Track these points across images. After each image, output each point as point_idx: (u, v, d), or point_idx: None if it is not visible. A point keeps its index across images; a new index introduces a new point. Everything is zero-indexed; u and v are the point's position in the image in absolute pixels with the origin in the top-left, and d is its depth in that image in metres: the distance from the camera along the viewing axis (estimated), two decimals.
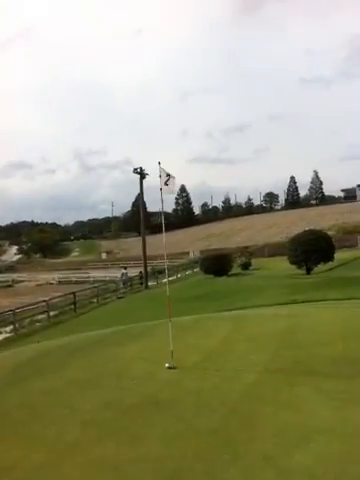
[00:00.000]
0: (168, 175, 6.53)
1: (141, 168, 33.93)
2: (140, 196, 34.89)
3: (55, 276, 53.49)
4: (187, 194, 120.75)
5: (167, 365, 6.01)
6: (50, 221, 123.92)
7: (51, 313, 20.63)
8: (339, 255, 27.45)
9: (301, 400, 4.61)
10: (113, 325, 13.54)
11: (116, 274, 43.77)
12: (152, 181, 32.54)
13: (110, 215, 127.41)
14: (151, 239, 43.10)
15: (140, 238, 37.03)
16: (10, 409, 4.90)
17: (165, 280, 34.35)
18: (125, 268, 33.55)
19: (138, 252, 69.15)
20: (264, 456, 3.48)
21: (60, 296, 24.84)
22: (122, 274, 31.65)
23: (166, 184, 6.53)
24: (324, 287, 15.80)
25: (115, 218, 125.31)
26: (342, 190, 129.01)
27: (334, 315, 9.05)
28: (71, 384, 5.58)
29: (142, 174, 33.88)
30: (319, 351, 6.40)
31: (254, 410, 4.43)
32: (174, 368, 5.96)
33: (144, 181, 33.87)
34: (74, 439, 4.02)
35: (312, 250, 22.63)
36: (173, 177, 6.58)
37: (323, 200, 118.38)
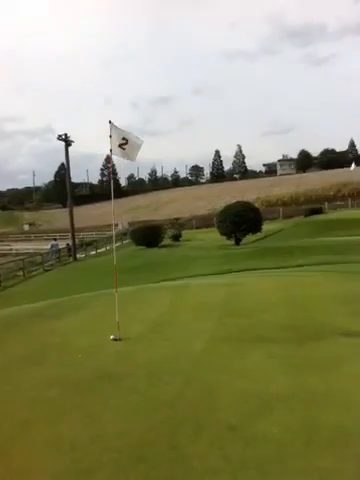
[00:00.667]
0: (124, 138, 6.02)
1: (66, 135, 32.47)
2: (66, 165, 33.43)
3: None
4: (113, 165, 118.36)
5: (112, 337, 5.76)
6: None
7: None
8: (264, 227, 28.39)
9: (255, 367, 4.59)
10: (44, 298, 12.95)
11: (40, 246, 42.15)
12: (75, 151, 31.32)
13: (31, 185, 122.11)
14: (76, 210, 41.75)
15: (64, 209, 35.85)
16: None
17: (94, 252, 33.75)
18: (55, 239, 32.31)
19: (62, 224, 66.97)
20: (228, 426, 3.38)
21: None
22: (52, 245, 30.46)
23: (122, 147, 6.02)
24: (256, 257, 16.22)
25: (37, 188, 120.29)
26: (264, 164, 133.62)
27: (272, 283, 9.27)
28: (11, 360, 5.17)
29: (67, 141, 32.44)
30: (263, 318, 6.48)
31: (209, 379, 4.34)
32: (120, 340, 5.74)
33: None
34: (22, 419, 3.68)
35: (241, 221, 23.12)
36: (139, 142, 6.07)
37: (246, 174, 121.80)
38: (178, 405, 3.82)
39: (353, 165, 59.86)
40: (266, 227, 29.53)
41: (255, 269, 12.86)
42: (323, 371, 4.38)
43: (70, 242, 32.29)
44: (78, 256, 31.21)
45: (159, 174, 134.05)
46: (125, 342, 5.68)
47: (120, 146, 5.88)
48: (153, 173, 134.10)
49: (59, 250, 30.65)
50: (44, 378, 4.57)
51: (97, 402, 3.94)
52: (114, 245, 6.66)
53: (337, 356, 4.81)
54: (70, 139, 32.19)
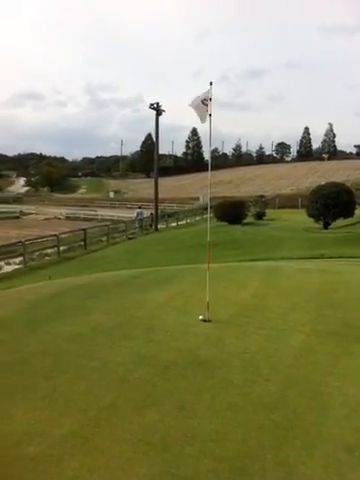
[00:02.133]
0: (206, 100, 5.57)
1: (158, 103, 32.21)
2: (155, 134, 33.35)
3: (63, 211, 52.85)
4: (198, 138, 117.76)
5: (201, 317, 5.37)
6: (58, 155, 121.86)
7: (61, 248, 20.08)
8: (356, 212, 26.46)
9: None
10: (127, 266, 12.97)
11: (124, 214, 43.06)
12: (162, 122, 31.12)
13: (119, 154, 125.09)
14: (159, 181, 41.93)
15: (147, 179, 36.02)
16: (30, 356, 4.27)
17: (175, 224, 33.75)
18: (140, 207, 32.54)
19: (145, 194, 68.14)
20: (346, 446, 2.84)
21: (70, 231, 24.25)
22: (137, 214, 30.65)
23: (204, 104, 5.57)
24: (351, 244, 15.02)
25: (123, 157, 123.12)
26: (355, 146, 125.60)
27: None
28: (97, 331, 4.95)
29: (158, 110, 32.22)
30: None
31: (315, 381, 3.79)
32: (209, 321, 5.33)
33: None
34: (109, 403, 3.38)
35: (333, 204, 21.60)
36: (206, 103, 5.59)
37: (335, 154, 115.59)
38: (282, 409, 3.32)
39: None
40: (357, 212, 27.60)
41: (351, 257, 11.84)
42: None
43: (153, 212, 32.44)
44: (159, 227, 31.35)
45: (244, 149, 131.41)
46: (215, 325, 5.26)
47: (203, 102, 5.43)
48: (237, 148, 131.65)
49: (143, 219, 30.85)
50: (132, 355, 4.28)
51: (190, 392, 3.56)
52: (209, 220, 6.20)
53: None
54: (161, 108, 31.97)
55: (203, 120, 5.60)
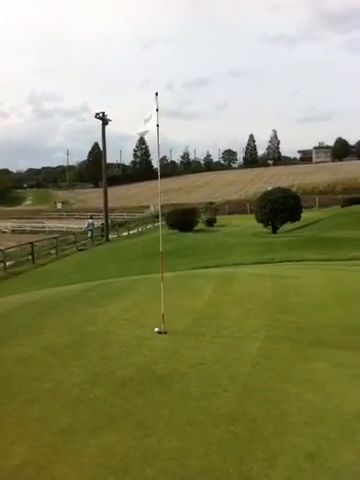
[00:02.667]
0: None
1: (103, 113, 32.03)
2: (102, 143, 33.04)
3: (8, 224, 51.23)
4: (146, 146, 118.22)
5: (156, 329, 5.29)
6: (1, 167, 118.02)
7: (7, 263, 19.37)
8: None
9: (323, 378, 4.01)
10: (77, 279, 12.68)
11: (72, 225, 42.30)
12: (109, 131, 30.94)
13: (65, 164, 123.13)
14: (108, 191, 41.57)
15: (96, 189, 35.65)
16: None
17: (126, 233, 33.47)
18: (91, 217, 31.99)
19: (95, 204, 67.35)
20: (307, 454, 2.85)
21: (16, 246, 23.50)
22: (88, 224, 30.10)
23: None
24: (299, 247, 15.46)
25: (70, 167, 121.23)
26: (299, 151, 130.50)
27: (322, 277, 8.61)
28: (49, 351, 4.74)
29: (104, 119, 32.02)
30: (320, 317, 5.88)
31: (272, 389, 3.80)
32: (165, 333, 5.26)
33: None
34: (64, 426, 3.23)
35: (281, 209, 22.23)
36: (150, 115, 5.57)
37: (280, 160, 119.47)
38: (241, 420, 3.30)
39: None
40: (303, 216, 28.54)
41: (300, 260, 12.16)
42: None
43: (103, 222, 32.03)
44: (110, 237, 30.99)
45: (192, 157, 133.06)
46: (171, 336, 5.19)
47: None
48: (185, 156, 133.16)
49: (94, 229, 30.32)
50: (86, 374, 4.13)
51: (148, 409, 3.46)
52: (161, 229, 6.15)
53: None
54: (107, 118, 31.76)
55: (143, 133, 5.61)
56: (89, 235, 29.37)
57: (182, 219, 27.12)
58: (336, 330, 5.35)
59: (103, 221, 32.28)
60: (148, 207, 59.09)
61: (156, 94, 5.54)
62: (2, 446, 2.99)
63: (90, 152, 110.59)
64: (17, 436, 3.10)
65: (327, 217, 30.70)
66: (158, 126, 5.55)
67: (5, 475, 2.68)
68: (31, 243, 21.90)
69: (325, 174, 73.04)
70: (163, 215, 26.94)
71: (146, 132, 5.57)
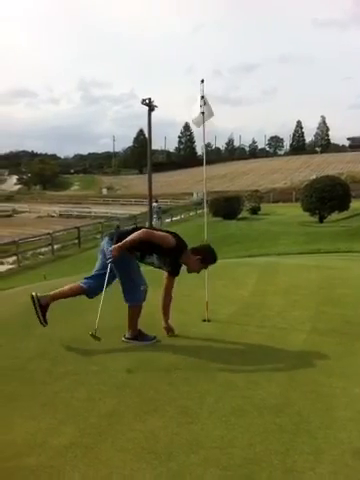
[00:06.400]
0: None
1: (150, 99, 31.99)
2: (148, 130, 33.14)
3: (56, 209, 52.66)
4: (190, 133, 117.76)
5: (202, 318, 5.32)
6: (50, 152, 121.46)
7: (55, 246, 19.95)
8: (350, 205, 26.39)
9: None
10: None
11: (117, 211, 42.87)
12: (154, 117, 30.92)
13: (111, 150, 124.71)
14: (153, 177, 41.78)
15: (140, 175, 35.82)
16: (27, 362, 4.19)
17: (169, 220, 33.51)
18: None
19: (139, 190, 67.97)
20: (354, 450, 2.78)
21: (63, 230, 24.13)
22: (154, 207, 30.09)
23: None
24: (346, 238, 15.01)
25: (116, 153, 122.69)
26: (348, 138, 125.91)
27: None
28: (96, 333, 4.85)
29: (150, 106, 31.98)
30: None
31: (318, 382, 3.73)
32: (208, 321, 5.28)
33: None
34: (110, 409, 3.31)
35: (328, 197, 21.60)
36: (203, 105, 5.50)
37: (328, 147, 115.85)
38: (286, 412, 3.26)
39: None
40: (351, 205, 27.69)
41: (347, 251, 11.82)
42: None
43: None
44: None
45: (236, 144, 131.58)
46: (215, 325, 5.20)
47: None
48: (230, 142, 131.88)
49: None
50: (132, 359, 4.21)
51: (192, 396, 3.48)
52: (206, 216, 6.13)
53: None
54: (153, 104, 31.76)
55: (199, 124, 5.54)
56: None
57: (226, 207, 26.92)
58: None
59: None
60: (191, 194, 59.03)
61: (202, 81, 5.50)
62: (50, 425, 3.09)
63: (135, 138, 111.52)
64: (65, 416, 3.20)
65: None
66: (203, 113, 5.52)
67: (53, 453, 2.77)
68: (77, 227, 22.44)
69: None
70: (206, 202, 26.54)
71: (200, 121, 5.52)
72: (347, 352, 4.40)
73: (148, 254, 4.57)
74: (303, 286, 7.04)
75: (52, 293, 4.67)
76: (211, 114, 5.56)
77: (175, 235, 4.64)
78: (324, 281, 7.39)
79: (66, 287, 4.75)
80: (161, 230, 4.81)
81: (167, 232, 4.68)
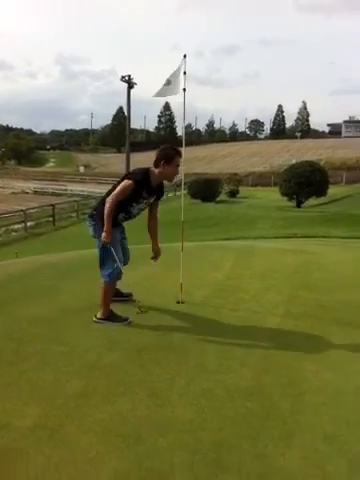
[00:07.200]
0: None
1: (129, 76, 31.46)
2: (127, 106, 32.64)
3: (30, 185, 51.64)
4: (171, 113, 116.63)
5: (176, 300, 5.23)
6: (26, 127, 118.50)
7: (28, 224, 19.54)
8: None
9: (345, 358, 3.90)
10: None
11: (94, 189, 42.23)
12: (134, 95, 30.45)
13: (89, 127, 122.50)
14: (131, 156, 41.20)
15: (119, 154, 35.39)
16: None
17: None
18: None
19: (117, 169, 67.03)
20: (324, 436, 2.76)
21: (38, 207, 23.65)
22: None
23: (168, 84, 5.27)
24: (323, 223, 15.13)
25: (94, 131, 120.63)
26: (328, 125, 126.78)
27: (347, 255, 8.40)
28: (65, 314, 4.74)
29: (130, 83, 31.46)
30: (343, 296, 5.72)
31: (291, 366, 3.71)
32: (182, 303, 5.19)
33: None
34: (78, 390, 3.21)
35: (306, 182, 21.70)
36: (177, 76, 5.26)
37: (308, 133, 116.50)
38: (257, 396, 3.22)
39: None
40: (329, 192, 27.96)
41: (324, 237, 11.90)
42: None
43: None
44: None
45: (217, 126, 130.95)
46: (189, 307, 5.12)
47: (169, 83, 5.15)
48: (211, 124, 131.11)
49: None
50: (102, 340, 4.10)
51: (163, 378, 3.41)
52: (183, 198, 5.99)
53: None
54: (133, 81, 31.19)
55: (177, 91, 5.30)
56: None
57: (205, 189, 26.79)
58: (358, 311, 5.20)
59: None
60: None
61: (184, 56, 5.28)
62: (15, 406, 2.98)
63: (115, 116, 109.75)
64: (30, 397, 3.09)
65: (355, 194, 29.96)
66: (185, 90, 5.32)
67: (17, 435, 2.67)
68: (52, 205, 22.00)
69: (354, 149, 71.03)
70: (185, 184, 26.32)
71: (167, 94, 5.29)
72: (320, 336, 4.39)
73: (130, 209, 4.57)
74: (279, 270, 7.03)
75: (103, 307, 4.57)
76: (175, 92, 5.31)
77: (128, 174, 4.71)
78: (300, 266, 7.39)
79: (101, 294, 4.61)
80: (116, 185, 4.56)
81: (124, 177, 4.60)
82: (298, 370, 3.65)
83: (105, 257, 4.50)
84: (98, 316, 4.55)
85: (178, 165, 4.58)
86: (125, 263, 4.78)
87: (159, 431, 2.74)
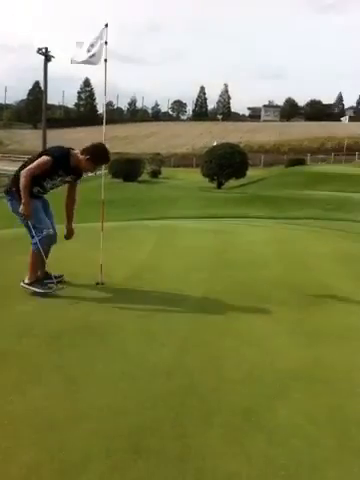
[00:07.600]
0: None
1: (46, 49, 29.87)
2: (43, 80, 31.04)
3: None
4: (91, 89, 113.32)
5: (95, 281, 5.05)
6: None
7: None
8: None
9: (261, 333, 3.99)
10: (10, 225, 11.98)
11: (7, 167, 39.93)
12: (52, 71, 29.09)
13: (2, 102, 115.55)
14: (49, 133, 39.37)
15: (35, 131, 33.71)
16: None
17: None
18: None
19: (32, 146, 63.78)
20: (243, 412, 2.78)
21: None
22: None
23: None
24: (242, 203, 15.51)
25: (8, 106, 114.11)
26: (248, 108, 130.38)
27: (264, 234, 8.65)
28: None
29: (47, 56, 29.93)
30: (260, 274, 5.88)
31: (211, 343, 3.72)
32: (102, 284, 5.03)
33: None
34: None
35: (227, 164, 22.12)
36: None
37: (229, 116, 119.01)
38: (177, 375, 3.18)
39: (346, 118, 59.18)
40: (248, 173, 28.77)
41: (243, 217, 12.21)
42: (339, 344, 3.82)
43: None
44: None
45: (139, 105, 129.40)
46: (109, 288, 4.97)
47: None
48: (133, 103, 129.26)
49: None
50: (14, 325, 3.85)
51: (80, 363, 3.25)
52: (103, 177, 5.76)
53: (349, 326, 4.27)
54: (50, 54, 29.67)
55: (97, 61, 5.00)
56: None
57: (126, 168, 26.39)
58: (275, 287, 5.35)
59: None
60: None
61: (106, 26, 5.00)
62: None
63: (31, 90, 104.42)
64: None
65: (272, 176, 31.14)
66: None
67: None
68: None
69: (272, 133, 73.74)
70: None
71: (86, 63, 4.99)
72: (240, 313, 4.45)
73: (43, 183, 4.57)
74: (199, 249, 7.07)
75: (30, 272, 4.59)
76: (96, 61, 5.03)
77: (46, 151, 4.81)
78: (219, 245, 7.49)
79: (29, 259, 4.62)
80: (28, 161, 4.58)
81: (42, 153, 4.65)
82: (218, 347, 3.66)
83: (32, 228, 4.48)
84: (26, 281, 4.55)
85: (96, 168, 4.88)
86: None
87: (74, 419, 2.59)
